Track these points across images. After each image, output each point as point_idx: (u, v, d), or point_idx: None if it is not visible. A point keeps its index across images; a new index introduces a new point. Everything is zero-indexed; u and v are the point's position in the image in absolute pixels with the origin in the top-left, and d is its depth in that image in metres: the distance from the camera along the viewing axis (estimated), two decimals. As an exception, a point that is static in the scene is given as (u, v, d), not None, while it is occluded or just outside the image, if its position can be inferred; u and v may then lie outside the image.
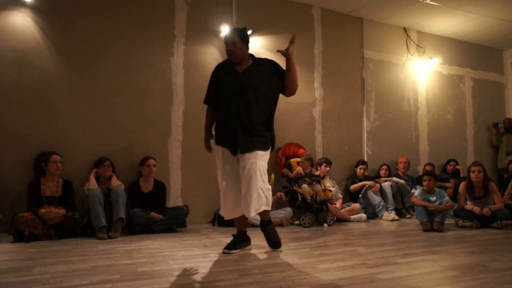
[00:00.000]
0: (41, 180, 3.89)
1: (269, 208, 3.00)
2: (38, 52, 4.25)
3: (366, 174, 5.68)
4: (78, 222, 3.76)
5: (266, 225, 3.14)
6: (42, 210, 3.65)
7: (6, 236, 3.62)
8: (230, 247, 3.02)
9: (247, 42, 3.05)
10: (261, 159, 2.94)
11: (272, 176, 4.84)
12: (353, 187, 5.51)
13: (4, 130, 4.04)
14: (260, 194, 2.89)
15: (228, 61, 3.08)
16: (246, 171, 2.87)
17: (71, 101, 4.35)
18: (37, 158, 3.97)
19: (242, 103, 2.93)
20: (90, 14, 4.49)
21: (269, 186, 3.00)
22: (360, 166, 5.62)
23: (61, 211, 3.73)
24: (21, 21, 4.20)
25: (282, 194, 4.86)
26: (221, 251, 3.02)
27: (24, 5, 4.20)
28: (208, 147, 3.19)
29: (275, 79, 3.07)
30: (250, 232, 3.24)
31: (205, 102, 3.18)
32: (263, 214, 3.08)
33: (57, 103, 4.29)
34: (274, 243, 3.10)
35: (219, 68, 3.14)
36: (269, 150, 3.05)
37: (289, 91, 3.09)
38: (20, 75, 4.16)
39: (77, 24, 4.43)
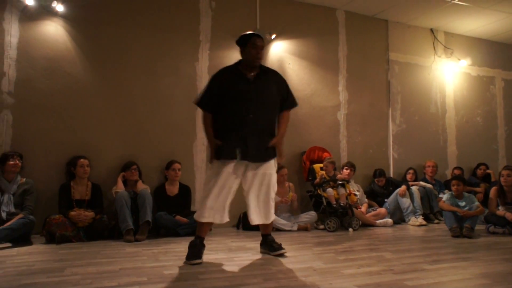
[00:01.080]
0: (72, 183, 4.01)
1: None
2: (69, 60, 4.40)
3: (389, 178, 5.59)
4: (106, 225, 3.85)
5: (269, 235, 3.17)
6: (72, 213, 3.76)
7: (39, 238, 3.74)
8: (197, 256, 2.81)
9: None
10: (274, 169, 3.03)
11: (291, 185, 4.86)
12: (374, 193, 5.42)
13: (37, 135, 4.20)
14: (272, 205, 3.04)
15: (236, 66, 3.03)
16: (263, 181, 2.95)
17: (99, 107, 4.48)
18: (68, 163, 4.11)
19: (256, 110, 2.89)
20: (117, 22, 4.62)
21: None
22: (377, 179, 5.51)
23: (90, 214, 3.83)
24: (54, 30, 4.36)
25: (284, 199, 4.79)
26: (246, 254, 3.04)
27: (56, 15, 4.37)
28: (214, 157, 2.93)
29: (278, 91, 3.05)
30: (276, 236, 3.23)
31: (202, 105, 2.99)
32: (270, 225, 3.17)
33: (86, 108, 4.42)
34: (280, 245, 3.09)
35: (225, 72, 3.03)
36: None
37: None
38: (52, 81, 4.31)
39: (105, 31, 4.56)
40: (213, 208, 2.86)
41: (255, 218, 2.98)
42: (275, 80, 3.08)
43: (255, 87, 2.94)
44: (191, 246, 2.87)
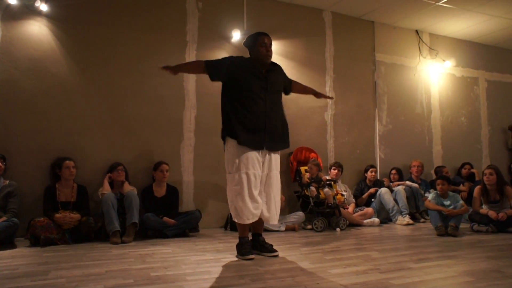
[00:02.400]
0: (57, 185, 3.95)
1: None
2: (54, 60, 4.34)
3: (377, 178, 5.64)
4: (93, 227, 3.81)
5: (261, 235, 3.23)
6: (57, 215, 3.71)
7: (23, 241, 3.68)
8: (249, 251, 3.01)
9: None
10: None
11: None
12: (360, 200, 5.43)
13: (21, 136, 4.13)
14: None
15: (250, 60, 3.14)
16: (274, 177, 3.14)
17: (85, 107, 4.43)
18: (52, 164, 4.05)
19: (272, 104, 3.08)
20: (103, 22, 4.57)
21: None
22: (371, 170, 5.57)
23: (76, 216, 3.78)
24: (37, 29, 4.30)
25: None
26: (233, 255, 3.03)
27: (40, 14, 4.30)
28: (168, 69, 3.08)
29: (282, 81, 3.31)
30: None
31: (208, 66, 3.06)
32: (263, 225, 3.29)
33: (71, 109, 4.37)
34: (271, 246, 3.13)
35: (239, 61, 3.13)
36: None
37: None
38: (36, 82, 4.25)
39: (91, 31, 4.51)
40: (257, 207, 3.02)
41: (271, 216, 3.09)
42: (280, 72, 3.30)
43: (270, 83, 3.10)
44: (240, 245, 3.05)
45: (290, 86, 3.42)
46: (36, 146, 4.17)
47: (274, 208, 3.10)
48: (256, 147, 3.01)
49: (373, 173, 5.57)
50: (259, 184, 3.02)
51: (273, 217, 3.09)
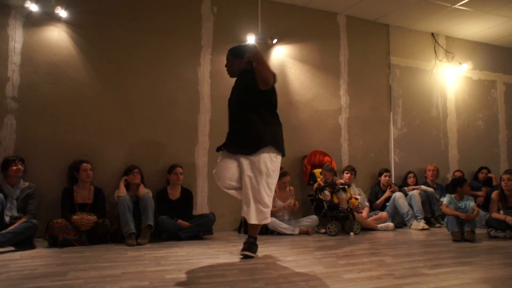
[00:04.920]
0: (74, 187, 4.04)
1: None
2: (72, 65, 4.44)
3: (392, 182, 5.60)
4: (109, 229, 3.87)
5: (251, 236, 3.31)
6: (74, 217, 3.78)
7: (42, 241, 3.77)
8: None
9: (240, 57, 3.17)
10: None
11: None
12: (375, 204, 5.40)
13: (40, 140, 4.23)
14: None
15: None
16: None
17: (102, 111, 4.51)
18: (70, 167, 4.14)
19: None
20: (120, 27, 4.66)
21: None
22: (385, 174, 5.54)
23: (93, 217, 3.85)
24: (57, 35, 4.41)
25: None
26: (248, 259, 3.06)
27: (59, 20, 4.41)
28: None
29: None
30: (277, 240, 3.25)
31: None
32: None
33: (89, 113, 4.46)
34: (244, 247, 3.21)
35: None
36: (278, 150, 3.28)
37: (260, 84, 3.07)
38: (55, 86, 4.35)
39: (108, 36, 4.60)
40: None
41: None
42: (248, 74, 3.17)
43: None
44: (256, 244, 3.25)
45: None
46: (54, 149, 4.27)
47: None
48: None
49: (387, 178, 5.53)
50: None
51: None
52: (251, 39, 5.15)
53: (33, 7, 4.26)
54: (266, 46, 5.32)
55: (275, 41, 5.35)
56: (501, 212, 4.41)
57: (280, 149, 3.13)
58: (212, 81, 5.01)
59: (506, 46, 7.07)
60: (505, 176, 4.39)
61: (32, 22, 4.31)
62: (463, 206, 4.33)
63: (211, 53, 5.05)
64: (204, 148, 4.90)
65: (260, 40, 5.27)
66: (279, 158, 3.14)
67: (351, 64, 5.86)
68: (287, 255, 3.24)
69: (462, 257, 3.26)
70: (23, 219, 3.60)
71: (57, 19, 4.40)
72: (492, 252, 3.48)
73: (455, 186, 4.52)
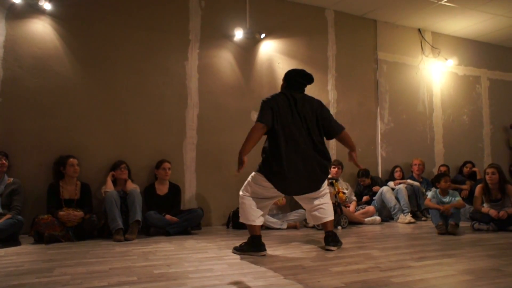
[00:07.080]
0: (60, 183, 3.99)
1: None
2: (57, 58, 4.37)
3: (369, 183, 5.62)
4: (96, 224, 3.84)
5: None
6: (61, 213, 3.74)
7: (27, 238, 3.72)
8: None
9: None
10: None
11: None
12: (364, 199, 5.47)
13: (25, 134, 4.16)
14: None
15: None
16: None
17: (88, 106, 4.46)
18: (56, 162, 4.08)
19: None
20: (106, 20, 4.60)
21: (241, 193, 3.17)
22: (360, 179, 5.58)
23: (79, 213, 3.82)
24: (41, 28, 4.32)
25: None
26: (236, 253, 3.07)
27: (44, 13, 4.33)
28: None
29: None
30: (265, 234, 3.26)
31: None
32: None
33: (75, 107, 4.40)
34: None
35: None
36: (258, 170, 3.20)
37: None
38: (40, 80, 4.28)
39: (94, 30, 4.53)
40: None
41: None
42: None
43: None
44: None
45: None
46: (39, 144, 4.20)
47: None
48: None
49: (365, 180, 5.57)
50: None
51: None
52: (239, 34, 5.14)
53: (16, -1, 4.17)
54: (254, 40, 5.31)
55: (263, 35, 5.34)
56: (485, 205, 4.50)
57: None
58: (200, 75, 4.98)
59: (490, 42, 7.18)
60: (489, 170, 4.48)
61: (15, 15, 4.22)
62: (448, 201, 4.41)
63: (198, 48, 5.01)
64: (192, 143, 4.88)
65: (248, 34, 5.25)
66: None
67: (338, 59, 5.89)
68: (276, 249, 3.26)
69: (446, 249, 3.32)
70: (8, 216, 3.55)
71: (41, 11, 4.31)
72: (476, 244, 3.55)
73: (434, 182, 4.61)
